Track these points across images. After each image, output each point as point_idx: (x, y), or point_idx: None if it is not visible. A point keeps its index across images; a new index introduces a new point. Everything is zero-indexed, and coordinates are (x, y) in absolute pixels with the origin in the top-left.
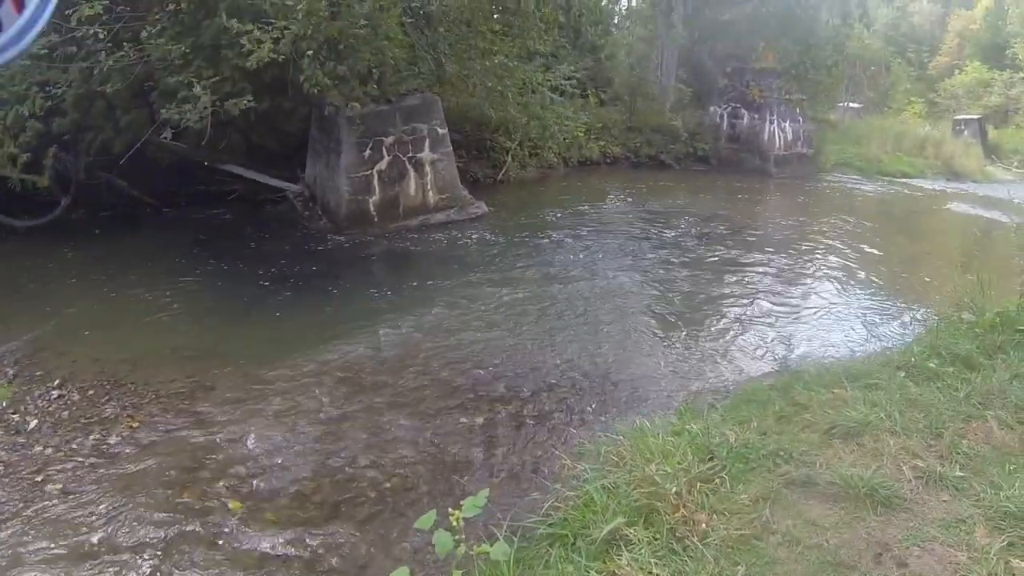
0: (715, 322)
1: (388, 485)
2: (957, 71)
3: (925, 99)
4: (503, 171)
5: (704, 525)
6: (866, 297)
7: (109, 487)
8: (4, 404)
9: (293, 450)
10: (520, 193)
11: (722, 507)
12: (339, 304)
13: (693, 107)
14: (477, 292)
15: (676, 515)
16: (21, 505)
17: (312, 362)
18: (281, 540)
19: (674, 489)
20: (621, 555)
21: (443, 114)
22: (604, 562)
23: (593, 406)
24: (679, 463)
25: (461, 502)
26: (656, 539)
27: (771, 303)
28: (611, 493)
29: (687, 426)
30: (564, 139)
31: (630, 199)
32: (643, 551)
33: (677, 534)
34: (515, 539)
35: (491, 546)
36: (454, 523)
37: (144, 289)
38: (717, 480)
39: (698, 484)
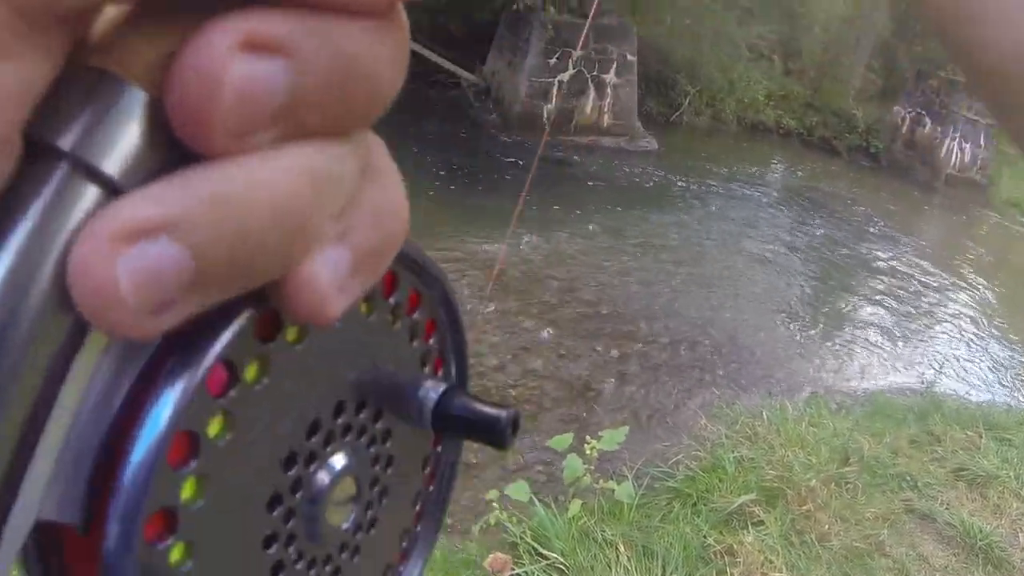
0: (857, 324)
1: (513, 393)
2: None
3: None
4: (678, 112)
5: (826, 527)
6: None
7: None
8: None
9: None
10: (690, 139)
11: (845, 513)
12: (495, 200)
13: (877, 101)
14: (634, 225)
15: (803, 508)
16: None
17: (458, 250)
18: None
19: (811, 482)
20: (747, 531)
21: (635, 43)
22: (723, 533)
23: (728, 371)
24: (815, 457)
25: (600, 432)
26: (779, 525)
27: (917, 321)
28: (742, 466)
29: (824, 421)
30: (745, 99)
31: (799, 173)
32: (771, 532)
33: (797, 527)
34: (638, 483)
35: (618, 484)
36: (588, 452)
37: None
38: (847, 486)
39: (832, 484)
